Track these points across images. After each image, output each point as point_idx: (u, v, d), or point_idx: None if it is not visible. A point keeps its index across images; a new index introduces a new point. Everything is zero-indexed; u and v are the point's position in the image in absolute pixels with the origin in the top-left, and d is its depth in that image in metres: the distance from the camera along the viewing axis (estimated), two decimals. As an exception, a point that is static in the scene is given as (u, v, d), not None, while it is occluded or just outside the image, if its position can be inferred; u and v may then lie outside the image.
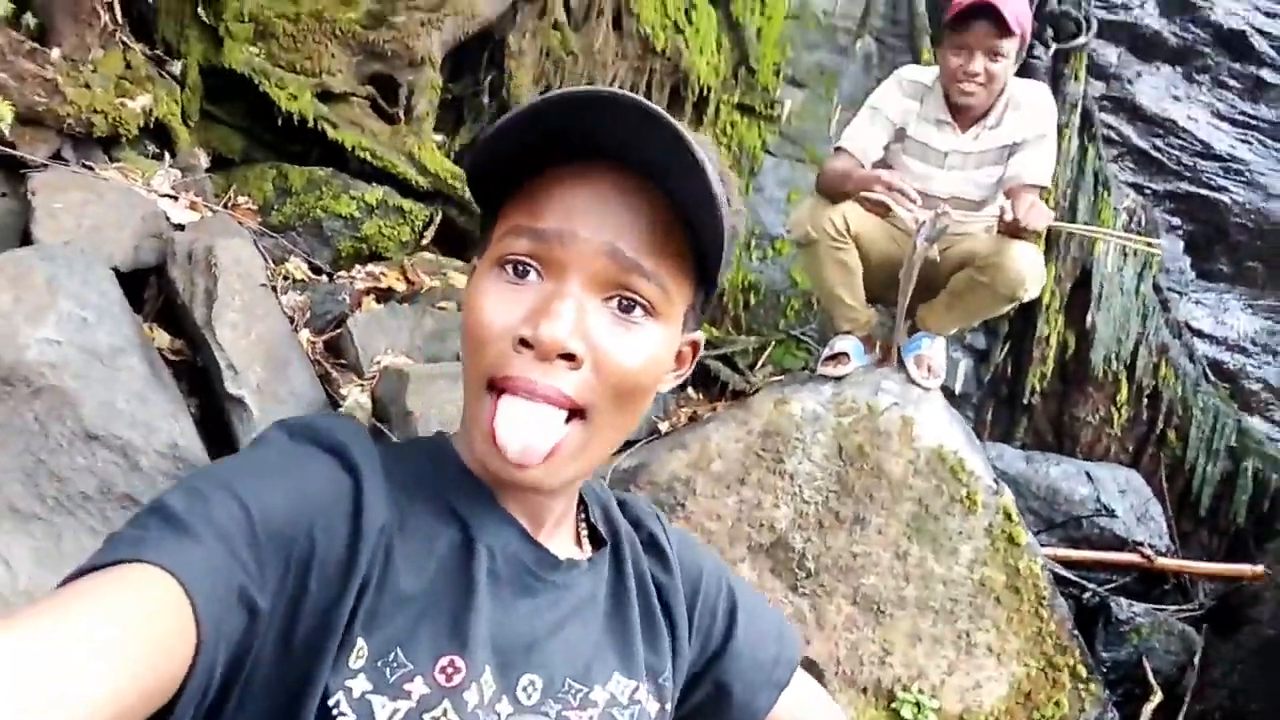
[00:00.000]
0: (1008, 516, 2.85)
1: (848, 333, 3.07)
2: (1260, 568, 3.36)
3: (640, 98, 0.72)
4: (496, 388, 0.78)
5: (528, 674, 0.80)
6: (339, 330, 3.29)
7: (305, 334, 3.17)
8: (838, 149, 3.04)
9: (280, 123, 3.77)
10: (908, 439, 2.85)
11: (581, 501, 0.96)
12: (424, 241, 3.97)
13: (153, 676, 0.56)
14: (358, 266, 3.70)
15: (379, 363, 3.16)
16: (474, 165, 0.82)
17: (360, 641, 0.72)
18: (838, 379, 2.96)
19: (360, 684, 0.71)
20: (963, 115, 2.95)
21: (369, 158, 3.88)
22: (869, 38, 4.91)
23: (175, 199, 3.37)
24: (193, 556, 0.61)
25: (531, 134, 0.76)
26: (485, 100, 4.33)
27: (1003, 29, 2.74)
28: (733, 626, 1.03)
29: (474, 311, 0.79)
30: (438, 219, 4.00)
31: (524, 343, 0.75)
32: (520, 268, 0.78)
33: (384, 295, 3.60)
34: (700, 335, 0.91)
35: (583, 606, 0.87)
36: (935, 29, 4.80)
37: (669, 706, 0.94)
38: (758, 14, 4.75)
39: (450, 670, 0.75)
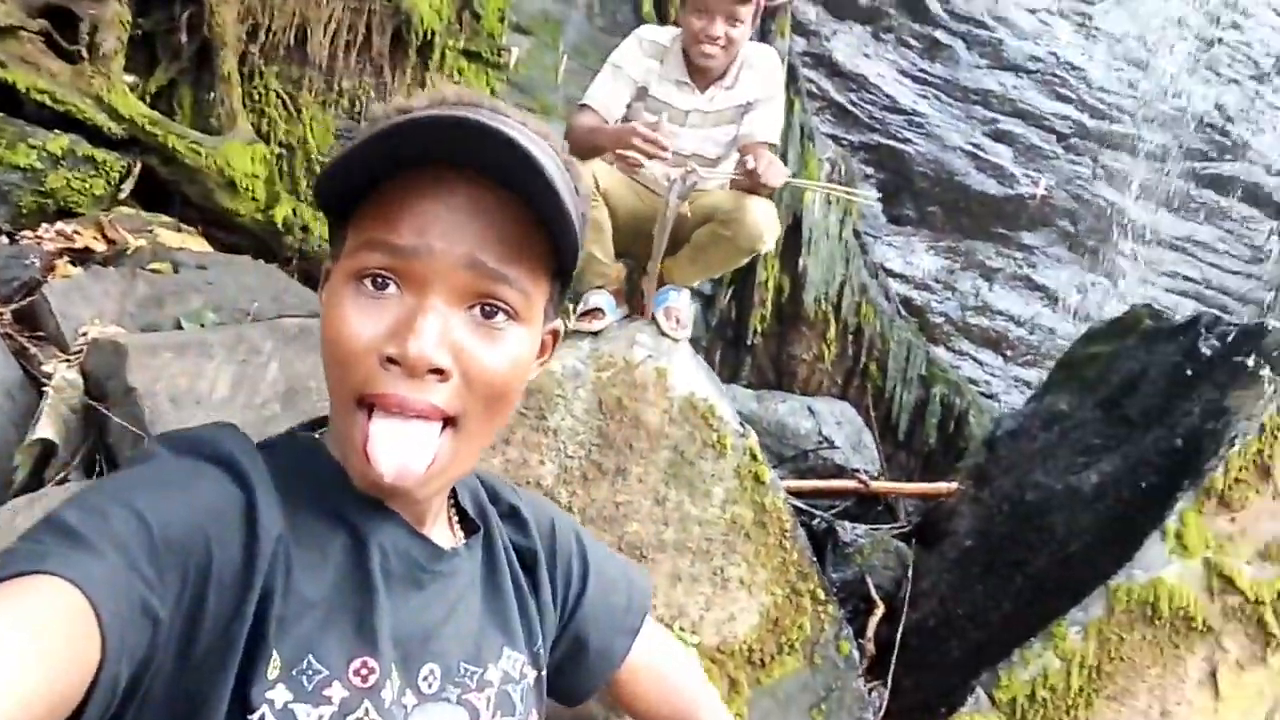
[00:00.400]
0: (753, 457, 3.03)
1: (599, 288, 3.10)
2: (955, 485, 3.80)
3: (483, 115, 0.75)
4: (366, 404, 0.78)
5: (427, 664, 0.83)
6: (31, 298, 2.89)
7: (-9, 306, 2.76)
8: (582, 106, 3.03)
9: (-71, 58, 3.21)
10: (662, 389, 2.95)
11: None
12: (122, 195, 3.56)
13: (60, 686, 0.56)
14: (45, 225, 3.25)
15: (85, 334, 2.82)
16: (323, 181, 0.81)
17: (273, 651, 0.72)
18: (594, 334, 2.99)
19: (281, 694, 0.72)
20: (701, 76, 3.03)
21: (48, 100, 3.41)
22: (592, -15, 4.92)
23: None
24: (94, 570, 0.61)
25: (382, 153, 0.76)
26: (183, 38, 3.90)
27: None
28: (586, 578, 1.06)
29: (334, 327, 0.78)
30: (136, 170, 3.61)
31: (391, 360, 0.75)
32: (379, 280, 0.77)
33: (81, 257, 3.20)
34: (559, 323, 0.93)
35: (466, 591, 0.90)
36: (653, -20, 4.89)
37: (543, 673, 0.99)
38: (480, -44, 4.61)
39: (365, 671, 0.77)
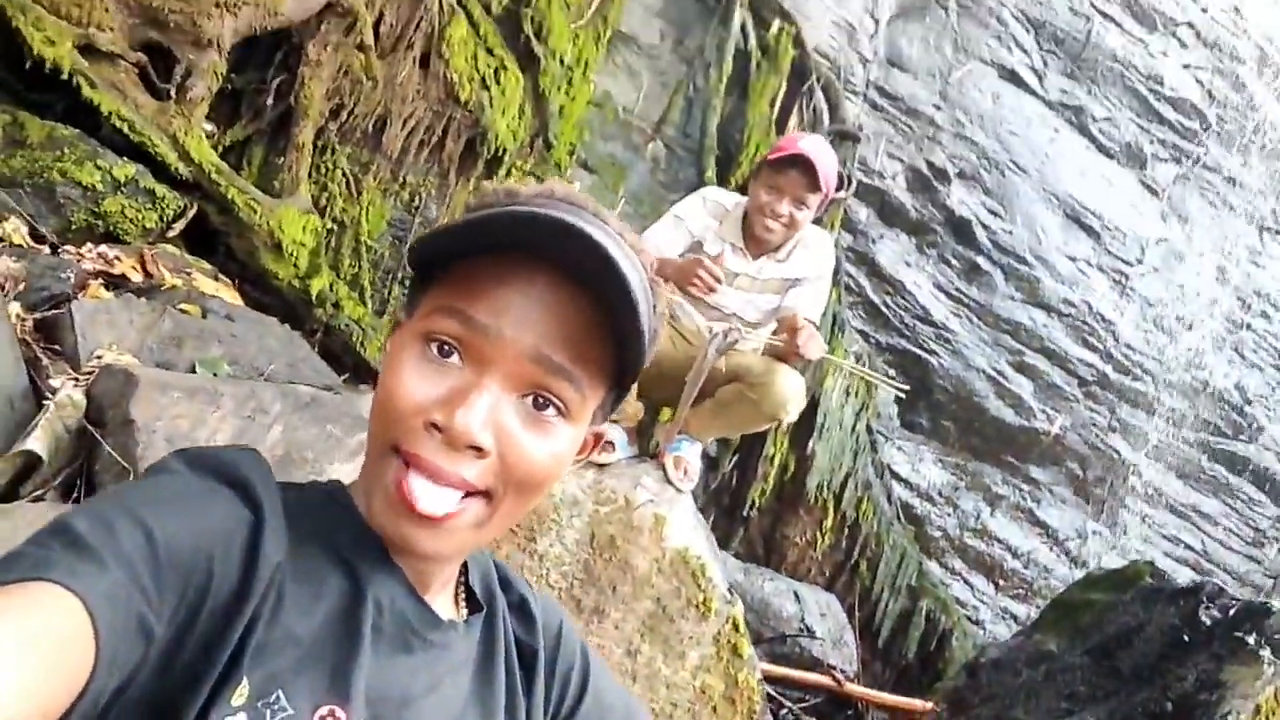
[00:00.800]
0: (735, 627, 2.92)
1: (615, 422, 3.07)
2: (929, 704, 3.65)
3: (584, 219, 0.78)
4: (403, 456, 0.79)
5: None
6: (57, 311, 2.86)
7: (15, 307, 2.73)
8: (636, 246, 3.09)
9: (29, 66, 3.29)
10: (657, 537, 2.87)
11: (463, 564, 0.97)
12: (170, 233, 3.58)
13: (49, 696, 0.56)
14: (89, 245, 3.26)
15: (100, 357, 2.77)
16: (424, 241, 0.83)
17: (244, 678, 0.71)
18: (601, 466, 2.94)
19: None
20: (755, 244, 3.10)
21: (127, 129, 3.47)
22: (660, 142, 5.11)
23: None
24: (98, 583, 0.61)
25: (483, 232, 0.79)
26: (269, 101, 4.04)
27: (814, 184, 2.93)
28: (583, 695, 1.04)
29: (393, 380, 0.80)
30: (191, 212, 3.64)
31: (435, 425, 0.77)
32: (445, 348, 0.79)
33: (115, 283, 3.19)
34: (604, 428, 0.93)
35: (457, 668, 0.88)
36: (721, 150, 5.08)
37: None
38: (563, 92, 4.81)
39: None
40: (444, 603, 0.91)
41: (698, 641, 2.85)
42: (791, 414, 2.97)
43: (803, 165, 2.94)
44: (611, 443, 3.00)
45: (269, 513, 0.76)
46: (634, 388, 2.93)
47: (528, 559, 2.71)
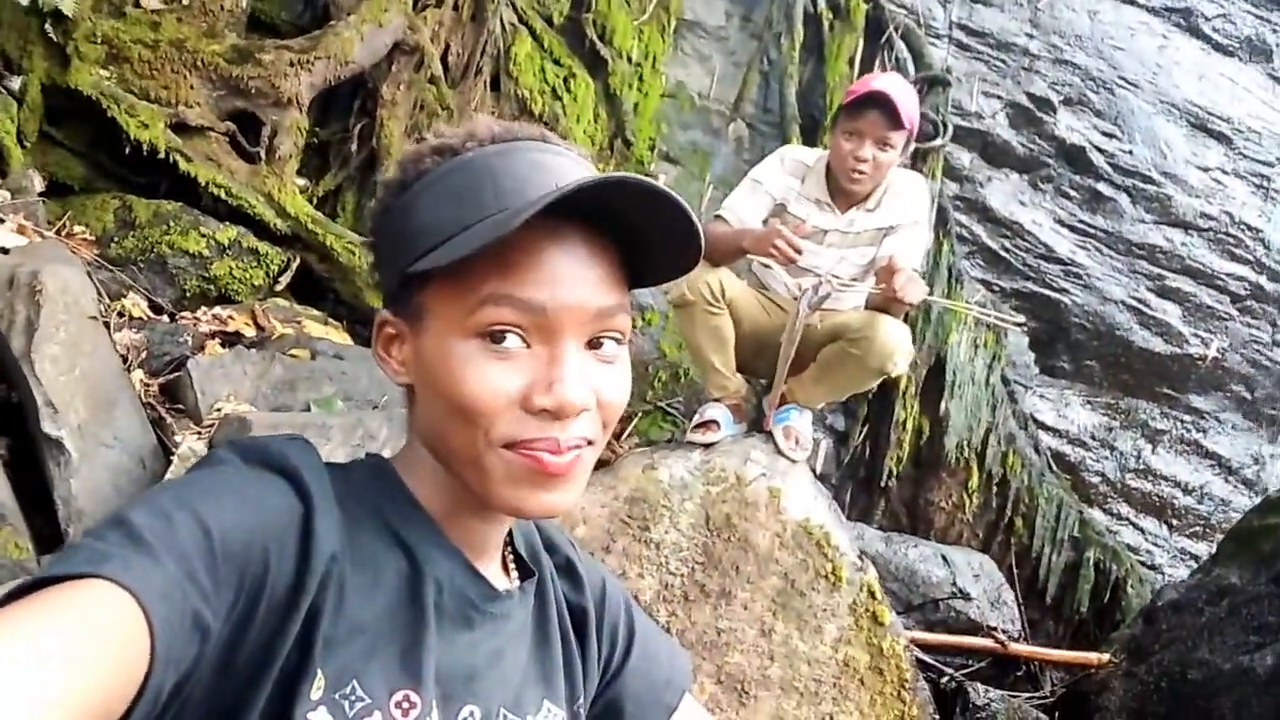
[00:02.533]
0: (871, 594, 2.81)
1: (718, 400, 3.02)
2: (1107, 656, 3.43)
3: (651, 180, 0.77)
4: (513, 448, 0.79)
5: (468, 705, 0.83)
6: (177, 374, 3.02)
7: (139, 375, 2.90)
8: (717, 216, 3.03)
9: (128, 152, 3.52)
10: (775, 511, 2.79)
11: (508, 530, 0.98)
12: (278, 287, 3.74)
13: (106, 694, 0.56)
14: (204, 308, 3.44)
15: (219, 410, 2.91)
16: (450, 249, 0.79)
17: (318, 671, 0.72)
18: (706, 446, 2.89)
19: (322, 716, 0.72)
20: (843, 197, 2.99)
21: (224, 195, 3.65)
22: (741, 122, 5.03)
23: (1, 221, 3.07)
24: (153, 578, 0.61)
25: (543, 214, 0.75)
26: (353, 148, 4.18)
27: (894, 121, 2.80)
28: (631, 648, 1.07)
29: (466, 389, 0.78)
30: (295, 265, 3.79)
31: (545, 410, 0.78)
32: (498, 335, 0.79)
33: (231, 340, 3.35)
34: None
35: (515, 637, 0.90)
36: (804, 119, 4.96)
37: None
38: (635, 89, 4.80)
39: (406, 705, 0.77)
40: (495, 572, 0.92)
41: (833, 613, 2.76)
42: (900, 364, 2.85)
43: (880, 103, 2.82)
44: (716, 421, 2.95)
45: (320, 501, 0.77)
46: (732, 362, 2.87)
47: (644, 549, 2.68)
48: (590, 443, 0.82)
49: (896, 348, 2.78)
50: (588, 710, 1.01)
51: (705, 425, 2.95)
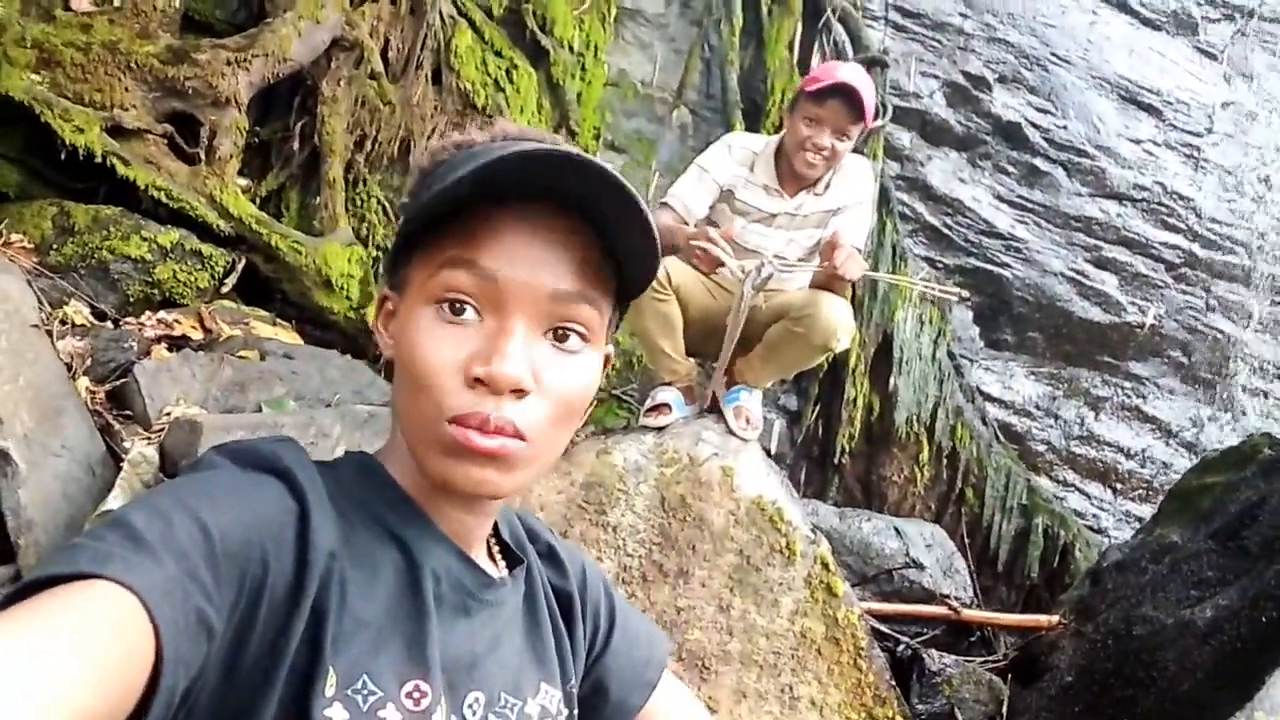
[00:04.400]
0: (825, 566, 2.87)
1: (668, 384, 3.06)
2: (1056, 618, 3.53)
3: (591, 156, 0.79)
4: (450, 418, 0.80)
5: (473, 691, 0.85)
6: (124, 379, 2.99)
7: (85, 382, 2.87)
8: (663, 204, 3.06)
9: (64, 157, 3.46)
10: (728, 489, 2.84)
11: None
12: (224, 289, 3.71)
13: (110, 696, 0.55)
14: (148, 313, 3.40)
15: (168, 414, 2.89)
16: (425, 204, 0.83)
17: (330, 668, 0.72)
18: (659, 430, 2.93)
19: (338, 712, 0.72)
20: (792, 181, 3.03)
21: (164, 198, 3.60)
22: (684, 109, 5.07)
23: (-67, 232, 3.02)
24: (155, 577, 0.60)
25: (486, 182, 0.79)
26: (295, 146, 4.15)
27: (856, 113, 2.85)
28: (613, 629, 1.10)
29: (417, 351, 0.81)
30: (240, 266, 3.76)
31: (478, 380, 0.79)
32: (457, 305, 0.81)
33: (177, 344, 3.32)
34: (611, 348, 0.96)
35: (509, 623, 0.92)
36: (746, 103, 5.01)
37: (575, 712, 1.00)
38: (577, 79, 4.81)
39: (417, 695, 0.78)
40: (483, 561, 0.93)
41: (788, 587, 2.82)
42: (843, 341, 2.90)
43: (845, 94, 2.86)
44: (667, 404, 2.99)
45: (314, 500, 0.77)
46: (681, 347, 2.91)
47: (601, 532, 2.72)
48: (522, 436, 0.80)
49: (839, 325, 2.83)
50: (577, 691, 1.03)
51: (657, 409, 2.99)
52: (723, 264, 2.71)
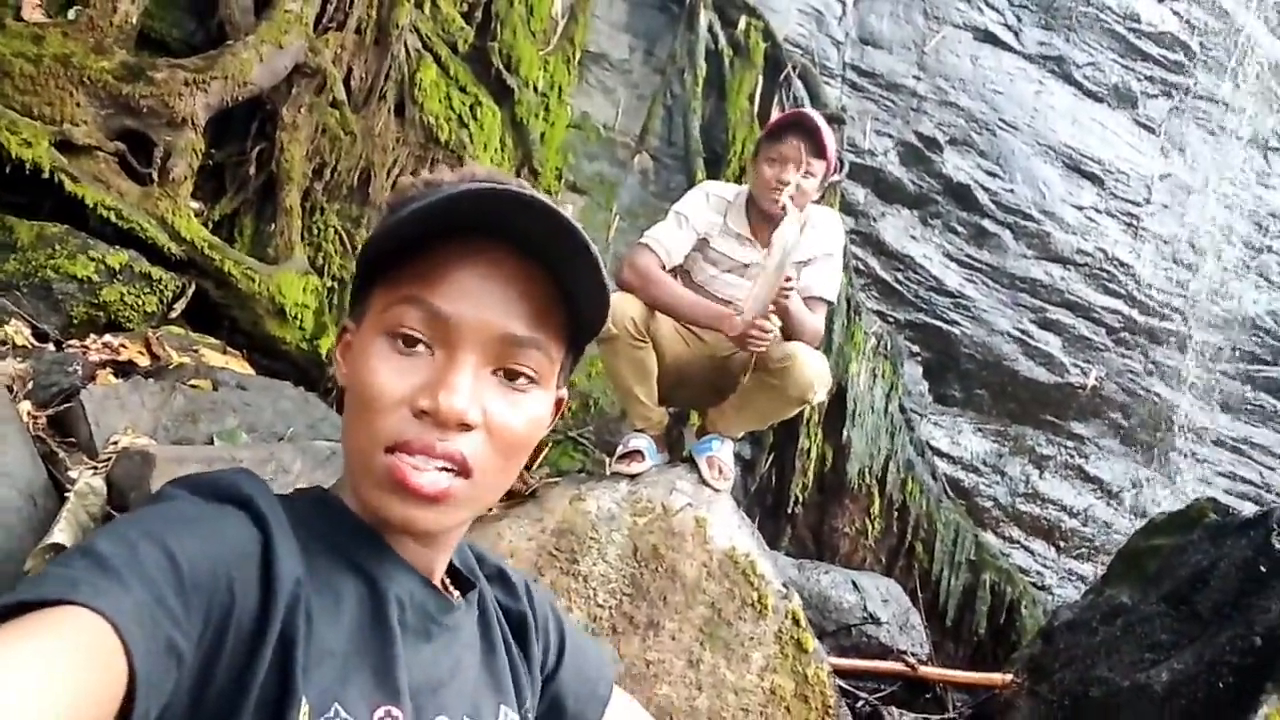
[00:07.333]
0: (796, 622, 2.83)
1: (641, 431, 3.01)
2: (1009, 676, 3.53)
3: (543, 196, 0.82)
4: (393, 448, 0.82)
5: (437, 716, 0.85)
6: (68, 405, 2.83)
7: (25, 406, 2.70)
8: (642, 245, 3.00)
9: (9, 170, 3.29)
10: (701, 540, 2.79)
11: None
12: (173, 314, 3.56)
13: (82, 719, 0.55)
14: (93, 336, 3.24)
15: (116, 443, 2.73)
16: (376, 240, 0.86)
17: (302, 698, 0.71)
18: (632, 477, 2.87)
19: None
20: (762, 231, 3.02)
21: (113, 217, 3.45)
22: (646, 154, 5.08)
23: None
24: (125, 603, 0.60)
25: (435, 219, 0.82)
26: (251, 170, 4.02)
27: (817, 146, 2.86)
28: (564, 646, 1.12)
29: (369, 379, 0.83)
30: (190, 291, 3.61)
31: (424, 413, 0.81)
32: (410, 339, 0.83)
33: (123, 369, 3.16)
34: (564, 392, 0.98)
35: (467, 646, 0.94)
36: (707, 152, 5.04)
37: None
38: (541, 119, 4.79)
39: None
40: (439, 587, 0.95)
41: (759, 642, 2.76)
42: (819, 393, 2.89)
43: (803, 128, 2.87)
44: (640, 451, 2.93)
45: (277, 530, 0.77)
46: (655, 394, 2.85)
47: (572, 581, 2.64)
48: (466, 473, 0.82)
49: (815, 378, 2.82)
50: (534, 711, 1.05)
51: (630, 455, 2.93)
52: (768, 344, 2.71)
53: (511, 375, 0.85)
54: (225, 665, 0.69)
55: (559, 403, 0.97)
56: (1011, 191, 5.76)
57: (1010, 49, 5.97)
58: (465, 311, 0.82)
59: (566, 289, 0.87)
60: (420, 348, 0.83)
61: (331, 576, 0.81)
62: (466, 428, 0.81)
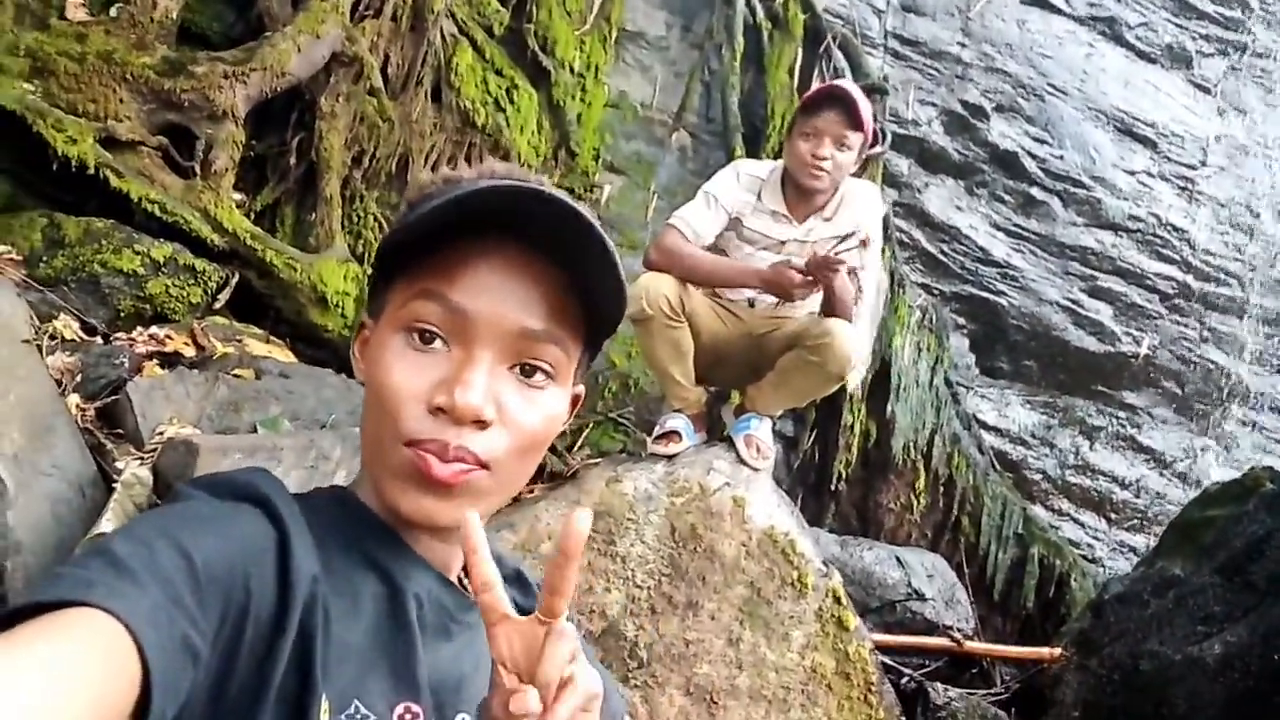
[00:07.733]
0: (837, 599, 2.82)
1: (678, 411, 3.00)
2: (1058, 650, 3.49)
3: (562, 193, 0.82)
4: (410, 444, 0.83)
5: (460, 712, 0.85)
6: (115, 397, 2.90)
7: (75, 399, 2.77)
8: (670, 226, 2.99)
9: (55, 168, 3.37)
10: (739, 520, 2.79)
11: None
12: (217, 305, 3.62)
13: None
14: (139, 328, 3.31)
15: (162, 433, 2.80)
16: (396, 234, 0.87)
17: (323, 695, 0.72)
18: (669, 458, 2.87)
19: None
20: (798, 207, 2.99)
21: (157, 211, 3.52)
22: (684, 131, 5.04)
23: (-80, 242, 2.92)
24: (140, 604, 0.60)
25: (457, 213, 0.82)
26: (292, 161, 4.07)
27: (852, 119, 2.82)
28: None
29: (384, 376, 0.84)
30: (234, 281, 3.68)
31: (440, 409, 0.81)
32: (427, 335, 0.84)
33: (169, 360, 3.23)
34: (581, 389, 0.98)
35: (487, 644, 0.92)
36: (746, 128, 4.98)
37: None
38: (578, 99, 4.77)
39: (409, 716, 0.78)
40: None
41: (799, 620, 2.76)
42: (859, 370, 2.86)
43: (838, 102, 2.83)
44: (677, 432, 2.93)
45: (293, 527, 0.77)
46: (691, 374, 2.85)
47: (610, 563, 2.65)
48: (485, 466, 0.83)
49: (853, 353, 2.79)
50: None
51: (667, 436, 2.93)
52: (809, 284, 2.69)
53: (528, 371, 0.86)
54: (244, 662, 0.69)
55: (575, 399, 0.97)
56: (1061, 158, 5.63)
57: (1059, 11, 5.81)
58: (482, 306, 0.83)
59: (583, 286, 0.87)
60: (437, 344, 0.84)
61: (350, 574, 0.82)
62: (482, 424, 0.82)
